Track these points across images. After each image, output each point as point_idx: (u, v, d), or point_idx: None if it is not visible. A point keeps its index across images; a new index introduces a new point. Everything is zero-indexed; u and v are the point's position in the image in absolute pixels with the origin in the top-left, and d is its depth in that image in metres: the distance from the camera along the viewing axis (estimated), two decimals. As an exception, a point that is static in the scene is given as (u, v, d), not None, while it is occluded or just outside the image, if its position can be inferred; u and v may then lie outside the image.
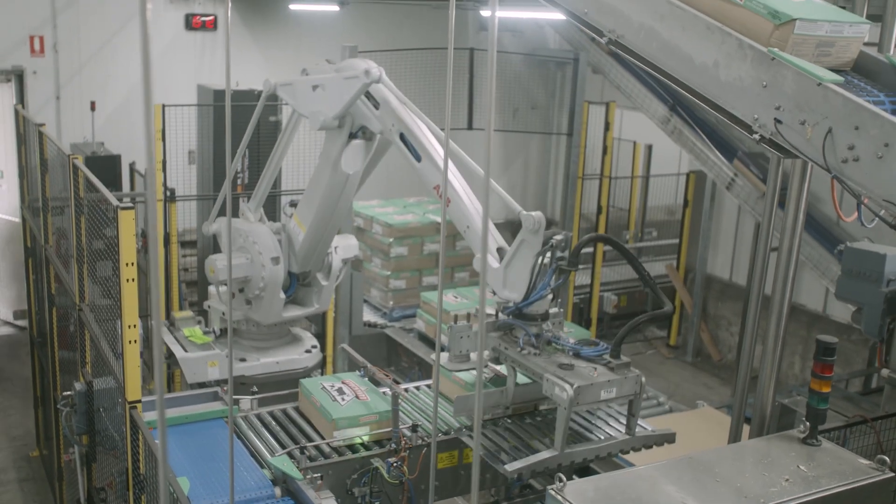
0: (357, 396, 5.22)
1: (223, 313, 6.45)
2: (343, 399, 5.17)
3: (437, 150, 5.10)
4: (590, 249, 11.76)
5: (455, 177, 5.04)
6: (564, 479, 3.88)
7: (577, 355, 4.70)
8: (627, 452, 4.96)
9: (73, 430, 5.36)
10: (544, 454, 4.56)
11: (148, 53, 1.44)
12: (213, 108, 9.47)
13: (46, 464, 7.93)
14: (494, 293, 4.96)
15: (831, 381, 4.36)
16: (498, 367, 5.21)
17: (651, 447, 4.94)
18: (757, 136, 3.71)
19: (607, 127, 11.40)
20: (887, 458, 4.13)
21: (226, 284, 6.20)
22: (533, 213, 4.66)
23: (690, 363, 11.97)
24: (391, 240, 9.55)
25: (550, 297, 4.88)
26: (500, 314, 5.01)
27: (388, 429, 5.06)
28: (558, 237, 4.67)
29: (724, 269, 12.14)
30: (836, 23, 3.88)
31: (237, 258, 6.11)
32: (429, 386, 5.93)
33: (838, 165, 3.42)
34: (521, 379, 4.98)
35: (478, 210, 4.96)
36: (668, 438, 4.97)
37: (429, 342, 8.46)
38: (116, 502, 5.16)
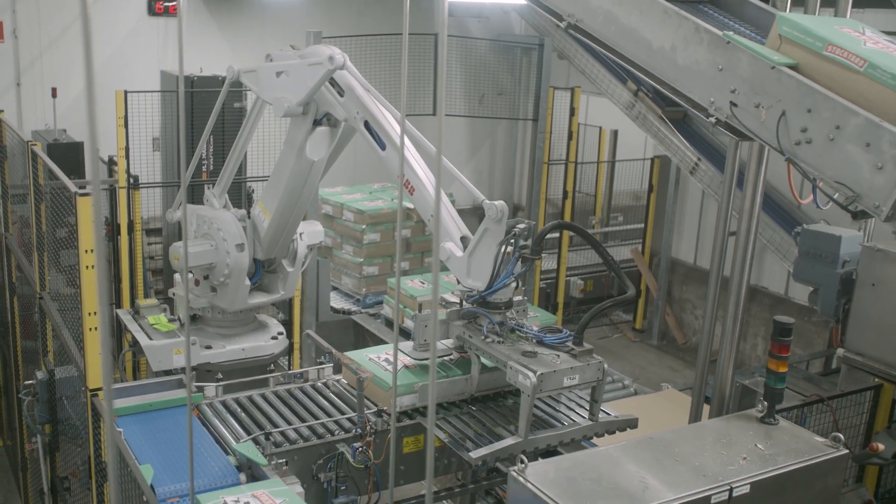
0: (406, 366, 5.21)
1: (189, 301, 6.42)
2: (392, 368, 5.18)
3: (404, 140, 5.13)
4: (556, 235, 11.83)
5: (419, 165, 5.06)
6: (526, 460, 3.93)
7: (540, 343, 4.76)
8: (591, 438, 5.04)
9: (36, 419, 5.33)
10: (508, 441, 4.62)
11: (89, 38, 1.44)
12: (176, 95, 9.39)
13: (10, 454, 7.88)
14: (459, 282, 4.99)
15: (788, 360, 4.44)
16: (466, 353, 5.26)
17: (614, 432, 5.02)
18: (713, 120, 3.76)
19: (573, 112, 11.44)
20: (841, 436, 4.22)
21: (191, 272, 6.18)
22: (496, 203, 4.71)
23: (656, 346, 12.09)
24: (364, 226, 9.52)
25: (514, 285, 4.92)
26: (464, 302, 5.05)
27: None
28: (521, 226, 4.71)
29: (688, 254, 12.26)
30: None
31: (202, 245, 6.09)
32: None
33: (792, 148, 3.47)
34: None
35: (441, 199, 4.98)
36: (631, 424, 5.04)
37: (396, 328, 8.47)
38: (80, 491, 5.14)
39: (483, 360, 4.98)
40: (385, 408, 5.11)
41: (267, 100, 5.78)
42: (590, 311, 4.84)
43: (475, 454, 4.53)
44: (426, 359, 5.14)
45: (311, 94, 5.44)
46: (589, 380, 4.66)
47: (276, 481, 4.43)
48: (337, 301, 9.82)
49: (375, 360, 5.38)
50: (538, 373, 4.41)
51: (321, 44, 5.64)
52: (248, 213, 6.28)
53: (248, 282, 6.24)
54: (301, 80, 5.46)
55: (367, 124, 5.26)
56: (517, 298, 5.02)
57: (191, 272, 6.23)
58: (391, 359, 5.35)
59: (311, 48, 5.63)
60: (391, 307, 9.18)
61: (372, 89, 5.36)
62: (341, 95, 5.40)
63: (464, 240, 5.00)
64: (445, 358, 5.26)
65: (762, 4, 4.41)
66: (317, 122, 5.70)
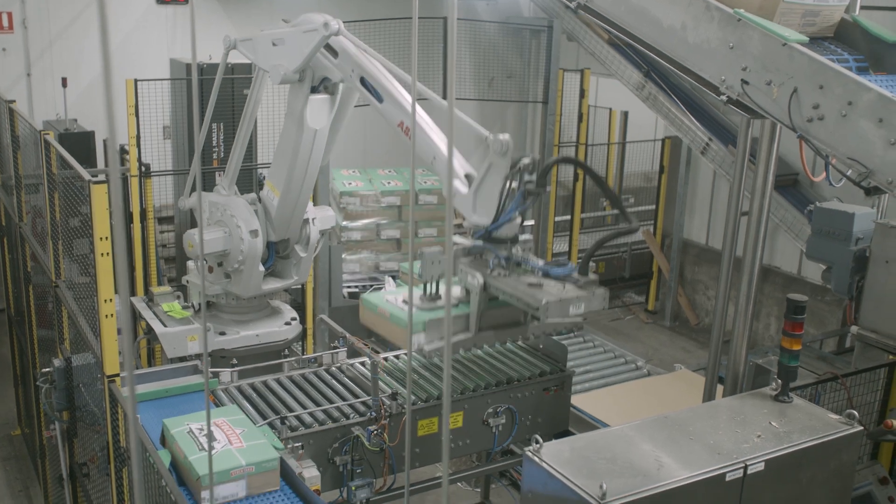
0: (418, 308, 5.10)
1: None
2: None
3: (399, 89, 5.14)
4: (566, 217, 11.82)
5: (417, 111, 4.99)
6: (541, 441, 3.95)
7: (546, 275, 4.75)
8: (539, 340, 5.25)
9: (53, 406, 5.36)
10: (459, 336, 4.77)
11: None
12: (186, 83, 9.40)
13: (28, 442, 7.94)
14: (464, 219, 4.92)
15: (801, 338, 4.44)
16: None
17: (561, 333, 5.22)
18: (724, 98, 3.75)
19: (582, 94, 11.41)
20: (856, 413, 4.22)
21: (204, 259, 6.21)
22: (500, 136, 4.63)
23: (668, 328, 12.08)
24: None
25: (519, 220, 4.86)
26: (468, 240, 4.98)
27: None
28: (525, 160, 4.65)
29: (700, 234, 12.23)
30: None
31: (215, 232, 6.11)
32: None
33: (804, 125, 3.46)
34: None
35: (443, 140, 4.93)
36: (577, 326, 5.15)
37: (408, 312, 8.50)
38: (98, 477, 5.19)
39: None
40: (401, 346, 5.17)
41: (264, 67, 5.89)
42: (594, 243, 4.86)
43: (428, 346, 4.69)
44: (437, 307, 5.02)
45: (307, 60, 5.52)
46: (594, 308, 4.63)
47: (233, 408, 4.62)
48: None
49: (392, 301, 5.26)
50: (544, 301, 4.40)
51: (314, 12, 5.65)
52: (259, 197, 6.31)
53: (261, 268, 6.27)
54: (297, 47, 5.55)
55: (363, 81, 5.28)
56: (523, 237, 4.99)
57: (204, 259, 6.26)
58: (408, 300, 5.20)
59: (305, 16, 5.64)
60: (403, 291, 9.21)
61: (370, 50, 5.36)
62: (335, 57, 5.45)
63: (468, 177, 4.94)
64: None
65: None
66: (314, 90, 5.75)
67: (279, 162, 6.06)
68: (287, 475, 4.23)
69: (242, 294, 6.37)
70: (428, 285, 5.06)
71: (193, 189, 6.68)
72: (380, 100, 5.19)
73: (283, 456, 4.57)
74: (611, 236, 5.05)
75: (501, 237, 4.85)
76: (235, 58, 8.93)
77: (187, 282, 6.65)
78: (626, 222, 4.81)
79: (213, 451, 4.02)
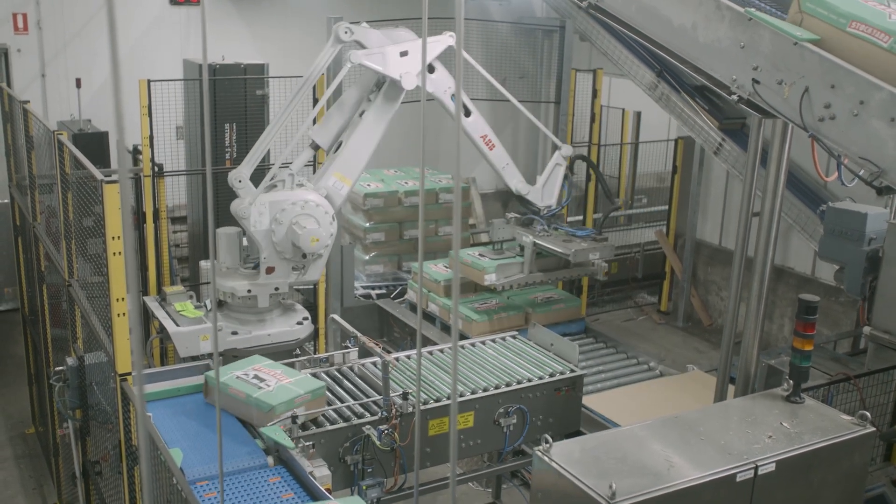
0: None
1: (276, 288, 6.63)
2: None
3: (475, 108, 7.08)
4: (579, 217, 11.83)
5: (488, 129, 7.42)
6: (551, 440, 3.95)
7: (573, 235, 7.89)
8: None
9: (67, 405, 5.39)
10: (517, 276, 7.89)
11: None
12: (199, 84, 9.42)
13: (42, 440, 7.99)
14: (533, 204, 7.85)
15: (813, 339, 4.42)
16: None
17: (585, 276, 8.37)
18: (735, 98, 3.74)
19: (595, 94, 11.37)
20: (868, 414, 4.20)
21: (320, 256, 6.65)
22: (566, 147, 7.90)
23: (681, 328, 12.03)
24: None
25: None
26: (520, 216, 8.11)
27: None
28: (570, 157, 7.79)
29: (713, 235, 12.18)
30: None
31: (312, 224, 6.45)
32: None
33: (815, 124, 3.45)
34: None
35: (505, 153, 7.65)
36: (598, 273, 8.32)
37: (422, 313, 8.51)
38: (111, 475, 5.22)
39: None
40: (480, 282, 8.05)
41: (392, 76, 6.62)
42: (602, 214, 8.00)
43: (497, 282, 7.77)
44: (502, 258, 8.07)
45: (426, 66, 6.43)
46: (606, 257, 7.86)
47: (256, 357, 5.38)
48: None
49: (472, 254, 8.30)
50: (573, 251, 7.50)
51: (404, 28, 6.96)
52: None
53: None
54: (418, 55, 6.48)
55: (452, 96, 6.54)
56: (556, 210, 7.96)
57: (214, 262, 6.30)
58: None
59: (405, 30, 6.90)
60: (415, 291, 9.22)
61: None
62: (431, 72, 6.72)
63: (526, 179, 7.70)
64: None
65: None
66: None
67: (357, 155, 6.73)
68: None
69: (312, 280, 6.82)
70: (495, 244, 8.20)
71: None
72: (467, 114, 6.86)
73: (293, 455, 4.61)
74: (608, 212, 8.97)
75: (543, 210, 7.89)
76: (248, 58, 9.01)
77: (249, 291, 6.60)
78: (610, 200, 8.64)
79: (270, 388, 4.84)
